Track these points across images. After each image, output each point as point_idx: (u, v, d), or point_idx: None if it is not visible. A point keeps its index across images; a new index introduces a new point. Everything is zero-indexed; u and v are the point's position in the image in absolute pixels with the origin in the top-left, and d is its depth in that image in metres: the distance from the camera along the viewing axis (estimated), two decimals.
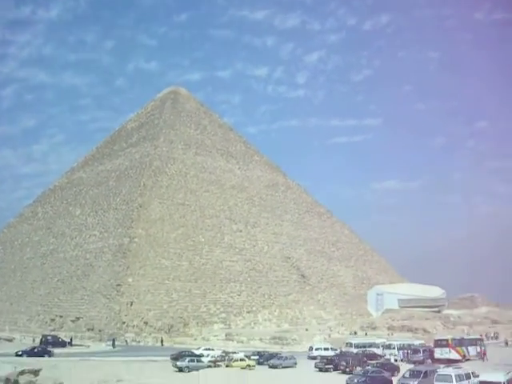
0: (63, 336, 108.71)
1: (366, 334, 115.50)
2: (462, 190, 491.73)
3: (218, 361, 73.25)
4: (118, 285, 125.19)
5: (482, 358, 72.99)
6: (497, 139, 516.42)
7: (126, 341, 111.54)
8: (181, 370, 65.20)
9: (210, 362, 71.83)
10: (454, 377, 46.93)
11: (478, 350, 75.93)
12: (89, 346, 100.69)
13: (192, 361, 67.98)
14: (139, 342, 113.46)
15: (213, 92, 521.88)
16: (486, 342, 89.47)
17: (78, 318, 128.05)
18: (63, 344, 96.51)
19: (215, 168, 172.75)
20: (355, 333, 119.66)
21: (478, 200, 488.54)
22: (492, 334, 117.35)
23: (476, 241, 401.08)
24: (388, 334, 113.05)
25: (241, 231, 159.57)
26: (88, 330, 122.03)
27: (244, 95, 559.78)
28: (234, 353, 77.27)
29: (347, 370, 63.38)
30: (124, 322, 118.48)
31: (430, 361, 70.53)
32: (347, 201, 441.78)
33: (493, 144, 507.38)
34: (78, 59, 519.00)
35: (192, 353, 75.97)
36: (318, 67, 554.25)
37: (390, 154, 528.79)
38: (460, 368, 51.55)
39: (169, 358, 73.37)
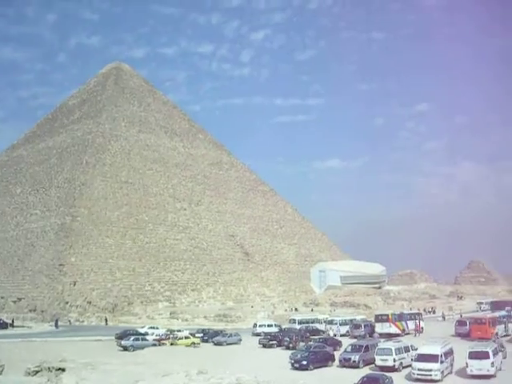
0: (5, 317, 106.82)
1: (311, 310, 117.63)
2: (401, 170, 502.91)
3: (163, 339, 73.57)
4: (61, 264, 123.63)
5: (417, 332, 75.53)
6: (436, 121, 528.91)
7: (70, 321, 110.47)
8: (125, 348, 65.40)
9: (154, 340, 72.16)
10: (393, 350, 48.77)
11: (417, 324, 78.59)
12: (31, 327, 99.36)
13: (137, 339, 68.26)
14: (83, 321, 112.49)
15: (157, 69, 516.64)
16: (424, 316, 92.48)
17: (19, 299, 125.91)
18: (4, 325, 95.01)
19: (159, 146, 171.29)
20: (296, 309, 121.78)
21: (416, 180, 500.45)
22: (430, 309, 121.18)
23: (415, 219, 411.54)
24: (330, 310, 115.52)
25: (185, 209, 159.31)
26: (30, 310, 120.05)
27: (188, 73, 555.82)
28: (179, 331, 77.66)
29: (291, 345, 64.74)
30: (67, 302, 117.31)
31: (376, 335, 72.39)
32: (290, 179, 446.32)
33: (432, 126, 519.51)
34: (18, 33, 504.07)
35: (137, 331, 76.14)
36: (262, 46, 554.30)
37: (333, 134, 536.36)
38: (400, 342, 53.37)
39: (113, 338, 73.34)
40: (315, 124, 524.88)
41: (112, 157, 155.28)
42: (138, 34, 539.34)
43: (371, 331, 74.78)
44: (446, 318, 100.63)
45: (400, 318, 77.81)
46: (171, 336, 73.81)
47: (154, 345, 69.83)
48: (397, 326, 75.70)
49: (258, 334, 78.67)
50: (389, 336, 69.02)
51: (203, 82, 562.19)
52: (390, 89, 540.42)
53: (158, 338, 74.18)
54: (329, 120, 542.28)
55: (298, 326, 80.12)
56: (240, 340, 73.16)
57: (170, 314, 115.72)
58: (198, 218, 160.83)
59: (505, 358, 50.28)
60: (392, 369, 47.11)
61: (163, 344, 71.46)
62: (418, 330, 76.48)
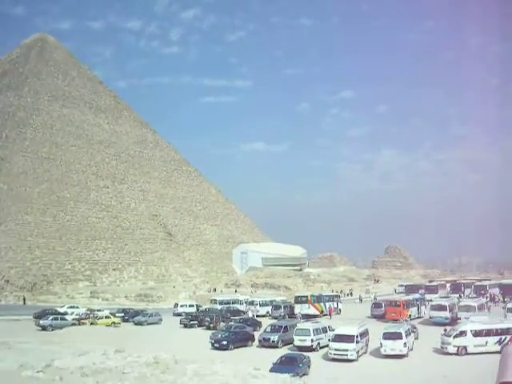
0: None
1: (235, 291, 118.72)
2: (325, 156, 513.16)
3: (83, 319, 72.80)
4: None
5: (330, 314, 77.33)
6: (359, 109, 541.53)
7: None
8: (44, 328, 64.37)
9: (74, 319, 71.25)
10: (311, 331, 50.12)
11: (335, 305, 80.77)
12: None
13: (56, 319, 67.23)
14: (0, 300, 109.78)
15: (83, 43, 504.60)
16: (342, 298, 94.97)
17: None
18: None
19: (82, 122, 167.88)
20: (214, 290, 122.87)
21: (339, 166, 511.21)
22: (348, 291, 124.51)
23: (337, 204, 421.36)
24: (251, 291, 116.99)
25: (107, 187, 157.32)
26: None
27: (115, 48, 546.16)
28: (99, 310, 77.13)
29: (211, 325, 65.39)
30: None
31: (299, 315, 73.79)
32: (217, 160, 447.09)
33: (355, 113, 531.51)
34: None
35: (56, 311, 75.04)
36: (192, 25, 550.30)
37: (259, 117, 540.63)
38: (318, 322, 54.77)
39: (31, 317, 72.02)
40: (242, 106, 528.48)
41: (33, 131, 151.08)
42: (65, 4, 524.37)
43: (291, 312, 76.38)
44: (363, 300, 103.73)
45: (319, 299, 79.84)
46: (91, 315, 73.20)
47: (74, 324, 68.99)
48: (316, 307, 77.65)
49: (179, 314, 79.17)
50: (308, 317, 70.68)
51: (130, 59, 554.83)
52: (315, 75, 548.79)
53: (77, 317, 73.26)
54: (255, 103, 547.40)
55: (218, 307, 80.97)
56: (161, 320, 73.40)
57: (91, 293, 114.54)
58: (121, 196, 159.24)
59: (416, 338, 52.60)
60: (310, 349, 48.39)
61: (83, 324, 70.77)
62: (331, 313, 78.21)
